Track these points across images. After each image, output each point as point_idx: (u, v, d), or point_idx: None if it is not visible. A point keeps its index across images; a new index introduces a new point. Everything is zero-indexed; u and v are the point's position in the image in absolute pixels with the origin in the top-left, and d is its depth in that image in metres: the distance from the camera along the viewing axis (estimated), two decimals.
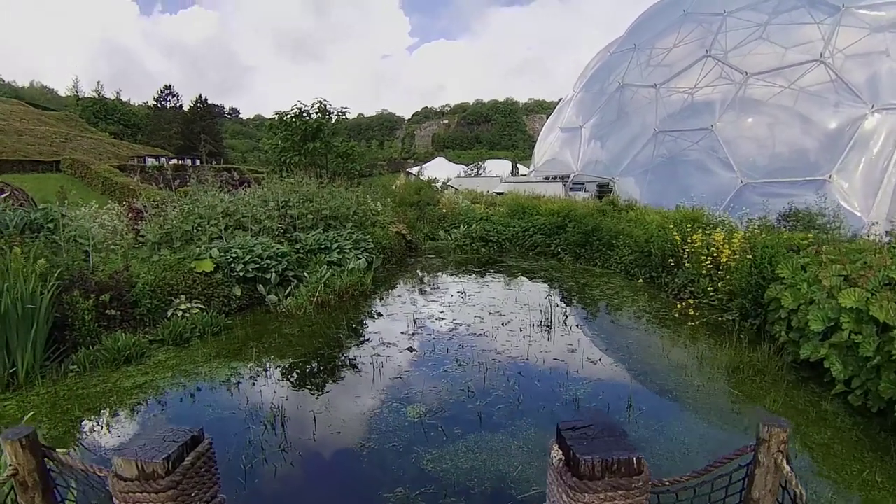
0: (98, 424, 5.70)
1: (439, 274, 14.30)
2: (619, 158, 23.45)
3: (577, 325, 9.17)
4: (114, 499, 1.71)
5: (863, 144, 16.84)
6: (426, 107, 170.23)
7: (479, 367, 7.07)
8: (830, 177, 16.69)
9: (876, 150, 16.62)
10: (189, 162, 57.25)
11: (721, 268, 9.86)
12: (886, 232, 11.71)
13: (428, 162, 65.37)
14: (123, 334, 7.69)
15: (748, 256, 9.03)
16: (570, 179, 26.76)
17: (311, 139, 22.10)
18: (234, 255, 10.27)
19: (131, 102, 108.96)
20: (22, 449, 1.95)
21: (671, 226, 12.01)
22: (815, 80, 18.48)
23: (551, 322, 9.14)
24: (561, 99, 37.33)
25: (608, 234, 14.54)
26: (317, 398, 6.32)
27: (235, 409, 5.99)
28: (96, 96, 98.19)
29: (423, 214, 21.05)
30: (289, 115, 22.61)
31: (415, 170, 50.41)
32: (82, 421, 5.75)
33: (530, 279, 13.36)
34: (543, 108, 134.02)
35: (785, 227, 12.37)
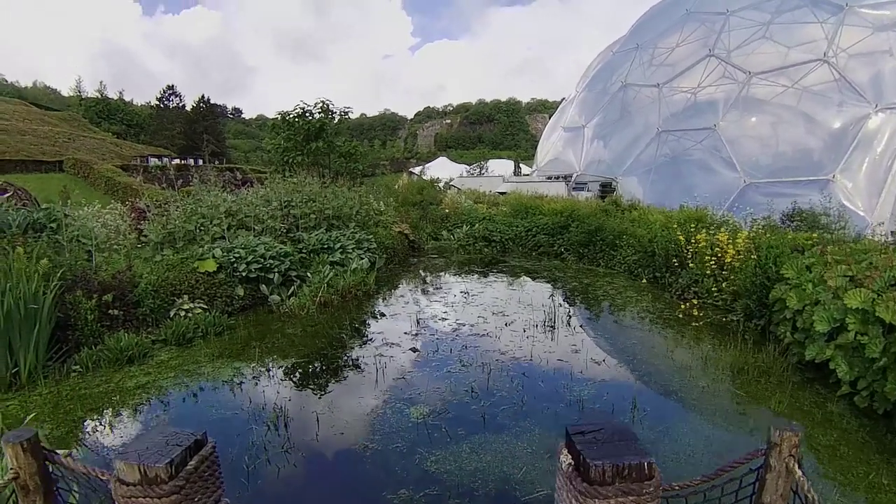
0: (101, 425, 5.69)
1: (442, 274, 14.29)
2: (621, 158, 23.41)
3: (581, 326, 9.15)
4: (116, 503, 1.69)
5: (866, 144, 16.78)
6: (428, 106, 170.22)
7: (482, 367, 7.05)
8: (834, 176, 16.63)
9: (880, 150, 16.55)
10: (192, 162, 57.22)
11: (725, 268, 9.83)
12: (892, 232, 11.67)
13: (430, 162, 65.39)
14: (126, 334, 7.68)
15: (752, 257, 8.99)
16: (572, 179, 26.72)
17: (314, 139, 22.08)
18: (236, 255, 10.25)
19: (134, 102, 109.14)
20: (23, 452, 1.93)
21: (675, 226, 11.98)
22: (819, 80, 18.42)
23: (555, 322, 9.11)
24: (563, 98, 37.32)
25: (611, 234, 14.50)
26: (320, 399, 6.31)
27: (238, 409, 5.97)
28: (99, 96, 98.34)
29: (426, 214, 21.04)
30: (292, 115, 22.59)
31: (417, 170, 50.39)
32: (85, 421, 5.73)
33: (533, 279, 13.33)
34: (546, 108, 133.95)
35: (789, 227, 12.32)
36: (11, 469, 1.95)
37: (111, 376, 6.89)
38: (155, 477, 1.62)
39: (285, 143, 22.28)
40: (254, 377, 6.90)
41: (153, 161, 55.14)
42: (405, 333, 8.72)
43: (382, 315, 10.05)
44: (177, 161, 55.96)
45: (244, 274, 10.13)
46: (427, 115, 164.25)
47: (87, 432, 5.52)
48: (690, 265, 10.76)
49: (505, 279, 13.30)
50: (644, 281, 12.18)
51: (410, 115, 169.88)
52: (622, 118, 24.65)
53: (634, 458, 1.55)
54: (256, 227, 12.28)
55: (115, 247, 10.37)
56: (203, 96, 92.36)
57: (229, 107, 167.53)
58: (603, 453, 1.56)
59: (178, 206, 12.02)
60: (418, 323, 9.30)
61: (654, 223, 13.24)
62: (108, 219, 11.01)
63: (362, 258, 12.44)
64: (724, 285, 9.63)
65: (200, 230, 11.53)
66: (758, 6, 20.96)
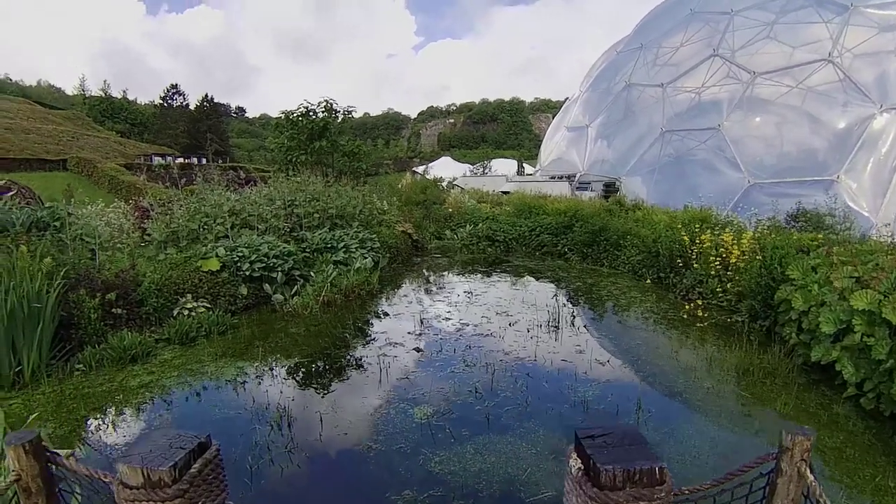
0: (104, 424, 5.68)
1: (445, 273, 14.26)
2: (625, 158, 23.37)
3: (585, 326, 9.12)
4: None
5: (871, 144, 16.72)
6: (432, 106, 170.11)
7: (486, 367, 7.03)
8: (838, 177, 16.58)
9: (884, 150, 16.49)
10: (195, 161, 57.20)
11: (730, 268, 9.79)
12: None
13: (434, 161, 65.39)
14: (129, 333, 7.68)
15: (758, 257, 8.96)
16: (576, 179, 26.69)
17: (318, 138, 22.10)
18: (240, 254, 10.24)
19: (138, 101, 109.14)
20: (25, 454, 1.91)
21: (679, 226, 11.94)
22: (824, 80, 18.37)
23: (559, 322, 9.09)
24: (567, 98, 37.23)
25: (615, 234, 14.46)
26: (323, 398, 6.29)
27: (241, 409, 5.95)
28: (103, 95, 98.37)
29: (429, 214, 21.01)
30: (295, 114, 22.60)
31: (420, 169, 50.31)
32: (88, 420, 5.73)
33: (537, 279, 13.30)
34: (549, 108, 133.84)
35: (794, 227, 12.28)
36: (13, 471, 1.93)
37: (114, 375, 6.89)
38: (158, 480, 1.60)
39: (289, 142, 22.30)
40: (257, 376, 6.90)
41: (157, 160, 55.21)
42: (409, 333, 8.70)
43: (386, 315, 10.04)
44: (180, 160, 56.02)
45: (247, 273, 10.12)
46: (430, 114, 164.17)
47: (91, 431, 5.52)
48: (695, 265, 10.72)
49: (508, 279, 13.28)
50: (648, 281, 12.15)
51: (414, 115, 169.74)
52: (626, 118, 24.61)
53: (645, 462, 1.52)
54: (260, 227, 12.27)
55: (118, 245, 10.37)
56: (206, 95, 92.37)
57: (233, 106, 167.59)
58: (613, 458, 1.54)
59: (181, 205, 12.02)
60: (422, 322, 9.28)
61: (659, 223, 13.20)
62: (112, 217, 11.01)
63: (366, 257, 12.42)
64: (728, 286, 9.59)
65: (204, 229, 11.53)
66: (762, 6, 20.90)
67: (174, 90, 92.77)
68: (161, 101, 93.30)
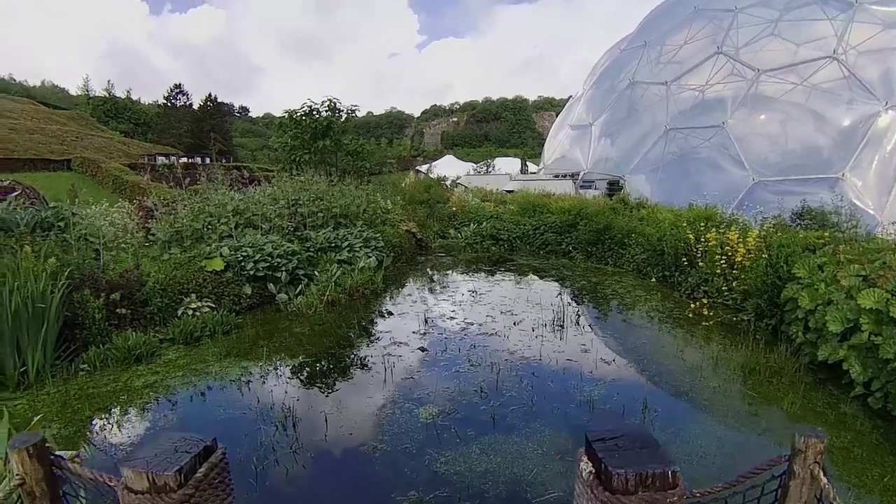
0: (109, 424, 5.67)
1: (450, 272, 14.24)
2: (629, 156, 23.30)
3: (590, 325, 9.09)
4: None
5: (876, 142, 16.65)
6: (435, 105, 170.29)
7: (491, 367, 7.00)
8: (843, 175, 16.51)
9: (890, 148, 16.42)
10: (199, 160, 57.31)
11: (735, 267, 9.75)
12: None
13: (437, 160, 65.30)
14: (134, 333, 7.68)
15: (763, 256, 8.92)
16: (580, 177, 26.63)
17: (321, 137, 22.06)
18: (244, 254, 10.24)
19: (142, 101, 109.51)
20: (29, 458, 1.89)
21: (684, 224, 11.89)
22: (828, 77, 18.29)
23: (563, 321, 9.06)
24: (570, 96, 37.20)
25: (620, 233, 14.43)
26: (328, 398, 6.27)
27: (246, 409, 5.94)
28: (107, 95, 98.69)
29: (433, 213, 20.98)
30: (299, 114, 22.57)
31: (424, 168, 50.27)
32: (93, 420, 5.72)
33: (541, 278, 13.28)
34: (552, 106, 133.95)
35: (799, 225, 12.23)
36: (17, 475, 1.91)
37: (119, 375, 6.88)
38: (164, 485, 1.58)
39: (292, 141, 22.26)
40: (261, 376, 6.89)
41: (161, 160, 55.30)
42: (413, 332, 8.68)
43: (390, 314, 10.02)
44: (184, 159, 56.11)
45: (252, 272, 10.12)
46: (433, 113, 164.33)
47: (95, 431, 5.51)
48: (700, 264, 10.68)
49: (513, 278, 13.26)
50: (653, 280, 12.11)
51: (417, 114, 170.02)
52: (630, 116, 24.54)
53: (658, 466, 1.50)
54: (264, 226, 12.27)
55: (122, 245, 10.38)
56: (210, 95, 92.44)
57: (236, 105, 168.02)
58: (625, 461, 1.51)
59: (185, 205, 12.02)
60: (426, 322, 9.26)
61: (663, 222, 13.16)
62: (116, 217, 11.02)
63: (370, 257, 12.41)
64: (734, 284, 9.56)
65: (208, 229, 11.52)
66: (766, 3, 20.82)
67: (178, 90, 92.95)
68: (165, 101, 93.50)
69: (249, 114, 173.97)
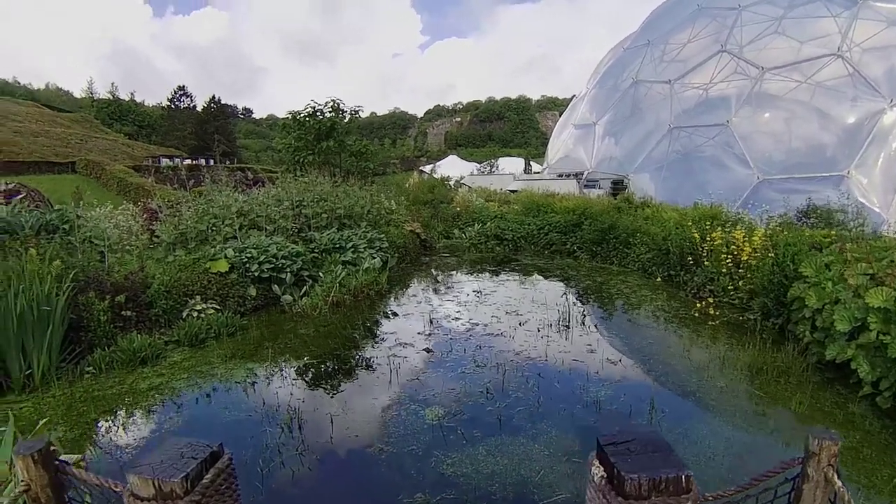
0: (114, 426, 5.66)
1: (454, 273, 14.22)
2: (633, 155, 23.28)
3: (596, 325, 9.06)
4: None
5: (882, 139, 16.59)
6: (438, 105, 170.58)
7: (497, 368, 6.98)
8: (849, 172, 16.47)
9: (895, 146, 16.36)
10: (203, 162, 57.44)
11: (741, 266, 9.71)
12: None
13: (441, 160, 65.39)
14: (139, 335, 7.67)
15: (770, 254, 8.88)
16: (583, 177, 26.60)
17: (325, 138, 22.10)
18: (248, 255, 10.23)
19: (145, 103, 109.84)
20: (34, 464, 1.88)
21: (689, 223, 11.86)
22: (833, 75, 18.25)
23: (569, 322, 9.03)
24: (574, 96, 37.18)
25: (624, 232, 14.39)
26: (333, 400, 6.26)
27: (252, 411, 5.93)
28: (111, 97, 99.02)
29: (437, 213, 20.99)
30: (302, 115, 22.61)
31: (428, 168, 50.33)
32: (98, 423, 5.71)
33: (546, 278, 13.25)
34: (556, 105, 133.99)
35: (805, 224, 12.18)
36: (23, 481, 1.90)
37: (124, 378, 6.88)
38: (170, 492, 1.56)
39: (296, 142, 22.30)
40: (267, 378, 6.87)
41: (165, 161, 55.41)
42: (418, 333, 8.67)
43: (395, 315, 10.00)
44: (188, 161, 56.19)
45: (256, 274, 10.11)
46: (437, 113, 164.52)
47: (101, 434, 5.50)
48: (706, 263, 10.64)
49: (517, 278, 13.23)
50: (658, 279, 12.07)
51: (420, 114, 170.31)
52: (633, 115, 24.51)
53: (672, 470, 1.47)
54: (268, 227, 12.26)
55: (127, 248, 10.38)
56: (214, 97, 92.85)
57: (240, 107, 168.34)
58: (638, 466, 1.49)
59: (189, 207, 12.02)
60: (431, 322, 9.25)
61: (668, 221, 13.13)
62: (121, 219, 11.02)
63: (374, 257, 12.40)
64: (740, 284, 9.52)
65: (212, 230, 11.52)
66: (770, 0, 20.77)
67: (181, 92, 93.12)
68: (168, 103, 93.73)
69: (253, 115, 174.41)
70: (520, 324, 9.05)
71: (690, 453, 4.82)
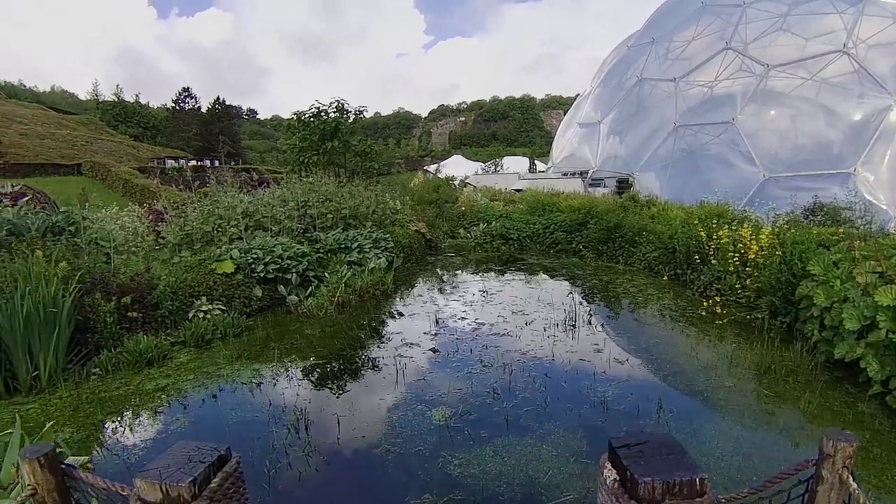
0: (121, 428, 5.66)
1: (460, 272, 14.20)
2: (638, 153, 23.24)
3: (602, 324, 9.03)
4: None
5: (888, 136, 16.54)
6: (442, 104, 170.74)
7: (503, 368, 6.95)
8: (855, 170, 16.42)
9: None
10: (208, 163, 57.52)
11: (749, 264, 9.66)
12: None
13: (445, 160, 65.37)
14: (145, 336, 7.67)
15: (777, 253, 8.83)
16: (588, 175, 26.56)
17: (330, 139, 22.09)
18: (254, 256, 10.23)
19: (150, 105, 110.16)
20: (40, 468, 1.87)
21: (696, 222, 11.81)
22: (838, 71, 18.20)
23: (575, 321, 8.99)
24: (578, 94, 37.10)
25: (630, 231, 14.35)
26: (340, 400, 6.24)
27: (258, 411, 5.92)
28: (116, 99, 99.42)
29: (442, 213, 20.98)
30: (307, 115, 22.61)
31: (432, 168, 50.29)
32: (105, 424, 5.71)
33: (552, 277, 13.22)
34: (560, 104, 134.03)
35: (812, 221, 12.13)
36: (29, 485, 1.89)
37: (131, 379, 6.88)
38: (178, 496, 1.55)
39: (301, 143, 22.30)
40: (273, 379, 6.86)
41: (170, 163, 55.69)
42: (424, 333, 8.65)
43: (401, 315, 9.99)
44: (193, 162, 56.42)
45: (262, 275, 10.11)
46: (441, 113, 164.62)
47: (108, 435, 5.50)
48: (712, 262, 10.60)
49: (523, 277, 13.20)
50: (665, 278, 12.03)
51: (424, 114, 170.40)
52: (638, 113, 24.47)
53: (685, 473, 1.45)
54: (273, 228, 12.26)
55: (133, 249, 10.39)
56: (218, 98, 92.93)
57: (244, 108, 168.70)
58: (651, 469, 1.47)
59: (195, 208, 12.04)
60: (437, 322, 9.22)
61: (675, 219, 13.09)
62: (126, 221, 11.03)
63: (380, 257, 12.39)
64: (747, 282, 9.48)
65: (218, 231, 11.53)
66: None
67: (186, 93, 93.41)
68: (173, 105, 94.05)
69: (257, 116, 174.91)
70: (526, 323, 9.02)
71: (699, 453, 4.79)
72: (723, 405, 5.85)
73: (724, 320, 8.86)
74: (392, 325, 9.30)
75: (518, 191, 26.26)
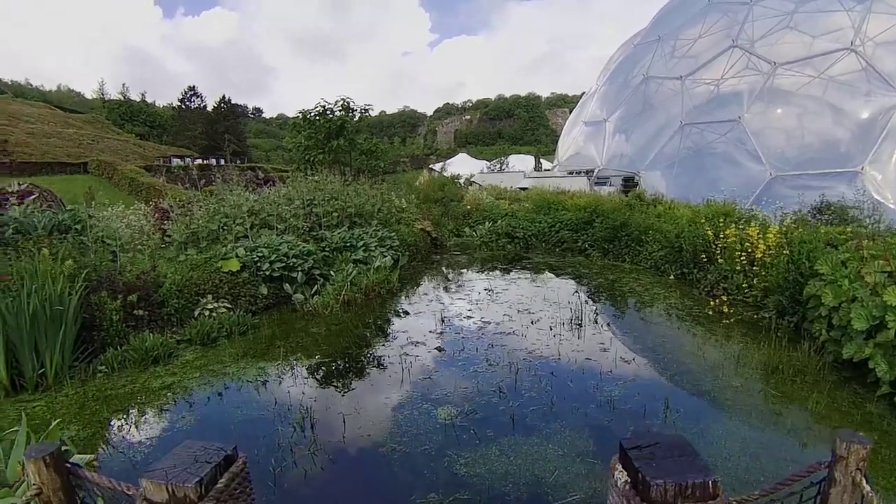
0: (126, 425, 5.67)
1: (465, 271, 14.18)
2: (644, 152, 23.17)
3: (608, 324, 9.00)
4: None
5: None
6: (448, 103, 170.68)
7: (509, 367, 6.93)
8: (863, 168, 16.31)
9: None
10: (214, 162, 57.74)
11: (756, 263, 9.62)
12: None
13: (450, 158, 65.32)
14: (151, 334, 7.68)
15: (785, 252, 8.78)
16: (594, 174, 26.49)
17: (335, 137, 22.06)
18: (260, 254, 10.24)
19: (156, 104, 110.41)
20: (46, 467, 1.85)
21: (703, 220, 11.75)
22: (846, 69, 18.08)
23: (581, 320, 8.96)
24: (584, 92, 37.06)
25: (637, 230, 14.29)
26: (345, 399, 6.23)
27: (264, 410, 5.92)
28: (122, 98, 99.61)
29: (448, 211, 20.96)
30: (312, 114, 22.59)
31: (438, 166, 50.29)
32: (111, 422, 5.72)
33: (558, 276, 13.18)
34: (566, 102, 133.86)
35: (819, 220, 12.07)
36: (34, 485, 1.88)
37: (137, 377, 6.89)
38: (184, 497, 1.53)
39: (306, 141, 22.28)
40: (279, 377, 6.86)
41: (176, 161, 55.79)
42: (430, 332, 8.63)
43: (406, 313, 9.98)
44: (199, 161, 56.54)
45: (267, 273, 10.11)
46: (446, 111, 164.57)
47: (113, 433, 5.51)
48: (719, 261, 10.55)
49: (529, 276, 13.17)
50: (671, 277, 11.97)
51: (430, 112, 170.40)
52: (644, 111, 24.40)
53: (698, 476, 1.43)
54: (279, 226, 12.26)
55: (139, 247, 10.41)
56: (224, 97, 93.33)
57: (250, 106, 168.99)
58: (663, 471, 1.45)
59: (201, 206, 12.05)
60: (443, 321, 9.21)
61: (681, 218, 13.04)
62: (132, 219, 11.05)
63: (385, 256, 12.38)
64: (754, 281, 9.43)
65: (223, 230, 11.54)
66: None
67: (192, 92, 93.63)
68: (179, 104, 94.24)
69: (263, 115, 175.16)
70: (532, 322, 9.00)
71: (706, 453, 4.75)
72: (730, 405, 5.82)
73: (731, 320, 8.82)
74: (397, 324, 9.29)
75: (523, 189, 26.19)
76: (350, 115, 22.90)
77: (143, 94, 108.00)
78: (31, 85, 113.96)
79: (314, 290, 10.49)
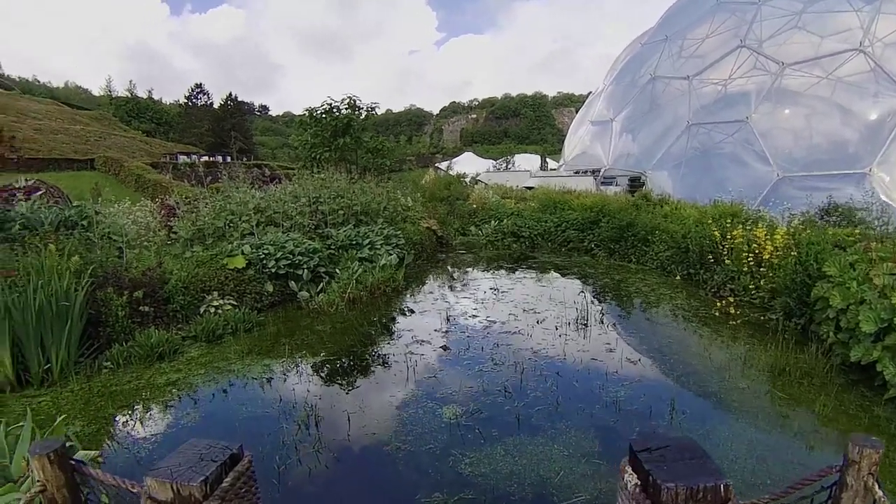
0: (131, 421, 5.67)
1: (471, 270, 14.16)
2: (651, 152, 23.08)
3: (614, 324, 8.96)
4: None
5: None
6: (454, 101, 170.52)
7: (515, 366, 6.91)
8: (871, 170, 16.21)
9: None
10: (220, 159, 57.68)
11: (763, 265, 9.57)
12: None
13: (456, 157, 65.29)
14: (156, 331, 7.69)
15: (792, 253, 8.73)
16: (601, 173, 26.42)
17: (341, 135, 22.10)
18: (265, 252, 10.24)
19: (163, 101, 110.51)
20: (50, 464, 1.84)
21: (710, 221, 11.70)
22: (854, 70, 17.99)
23: (587, 320, 8.93)
24: (591, 92, 36.92)
25: (643, 230, 14.24)
26: (350, 397, 6.22)
27: (269, 407, 5.91)
28: (129, 95, 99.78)
29: (454, 210, 20.93)
30: (319, 112, 22.63)
31: (443, 165, 50.20)
32: (115, 418, 5.72)
33: (564, 275, 13.15)
34: (572, 102, 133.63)
35: (827, 222, 12.00)
36: (39, 481, 1.87)
37: (142, 373, 6.90)
38: (189, 496, 1.52)
39: (312, 139, 22.34)
40: (283, 374, 6.86)
41: (182, 158, 55.83)
42: (435, 330, 8.62)
43: (411, 311, 9.96)
44: (205, 158, 56.46)
45: (273, 270, 10.12)
46: (453, 110, 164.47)
47: (118, 429, 5.51)
48: (726, 262, 10.50)
49: (535, 275, 13.14)
50: (677, 278, 11.92)
51: (436, 111, 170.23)
52: (651, 111, 24.31)
53: (709, 479, 1.41)
54: (285, 224, 12.27)
55: (145, 244, 10.43)
56: (230, 94, 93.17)
57: (256, 104, 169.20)
58: (674, 474, 1.42)
59: (207, 203, 12.07)
60: (448, 320, 9.18)
61: (688, 218, 12.99)
62: (139, 216, 11.09)
63: (391, 254, 12.37)
64: (761, 283, 9.37)
65: (229, 227, 11.55)
66: None
67: (198, 89, 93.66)
68: (186, 101, 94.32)
69: (269, 112, 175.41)
70: (537, 322, 8.97)
71: (712, 456, 4.70)
72: (736, 407, 5.78)
73: (738, 321, 8.78)
74: (403, 322, 9.27)
75: (529, 188, 26.15)
76: (356, 113, 22.95)
77: (150, 91, 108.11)
78: (39, 82, 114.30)
79: (320, 287, 10.50)
